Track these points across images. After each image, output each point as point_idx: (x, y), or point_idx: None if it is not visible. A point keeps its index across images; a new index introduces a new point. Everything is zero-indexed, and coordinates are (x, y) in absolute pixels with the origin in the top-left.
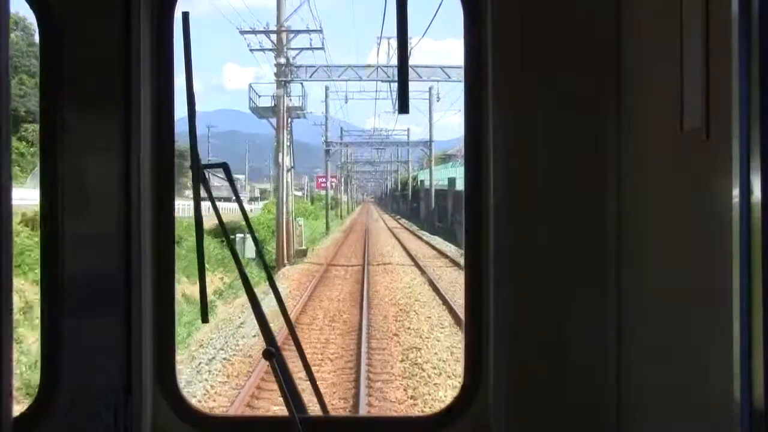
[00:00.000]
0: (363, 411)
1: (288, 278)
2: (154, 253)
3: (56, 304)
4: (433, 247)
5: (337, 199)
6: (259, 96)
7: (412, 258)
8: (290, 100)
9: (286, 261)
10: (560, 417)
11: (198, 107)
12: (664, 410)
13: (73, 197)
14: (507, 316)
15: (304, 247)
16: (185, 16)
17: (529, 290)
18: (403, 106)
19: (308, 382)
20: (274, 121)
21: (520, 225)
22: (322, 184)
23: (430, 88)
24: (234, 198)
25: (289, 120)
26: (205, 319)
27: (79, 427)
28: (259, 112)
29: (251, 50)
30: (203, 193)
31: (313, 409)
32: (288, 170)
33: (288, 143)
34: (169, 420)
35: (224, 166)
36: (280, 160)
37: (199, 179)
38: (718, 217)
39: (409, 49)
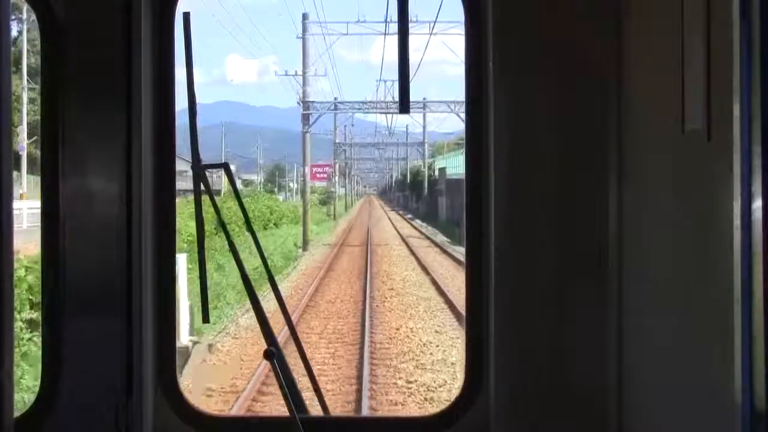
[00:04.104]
0: None
1: None
2: (155, 253)
3: (57, 305)
4: None
5: (331, 192)
6: None
7: None
8: None
9: None
10: (561, 418)
11: (199, 99)
12: (665, 411)
13: (75, 197)
14: (507, 317)
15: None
16: (186, 16)
17: (529, 291)
18: (404, 106)
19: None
20: None
21: (520, 226)
22: (318, 175)
23: None
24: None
25: None
26: (206, 319)
27: (81, 426)
28: None
29: None
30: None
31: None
32: None
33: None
34: (170, 420)
35: (225, 167)
36: None
37: (200, 179)
38: (719, 218)
39: (409, 47)
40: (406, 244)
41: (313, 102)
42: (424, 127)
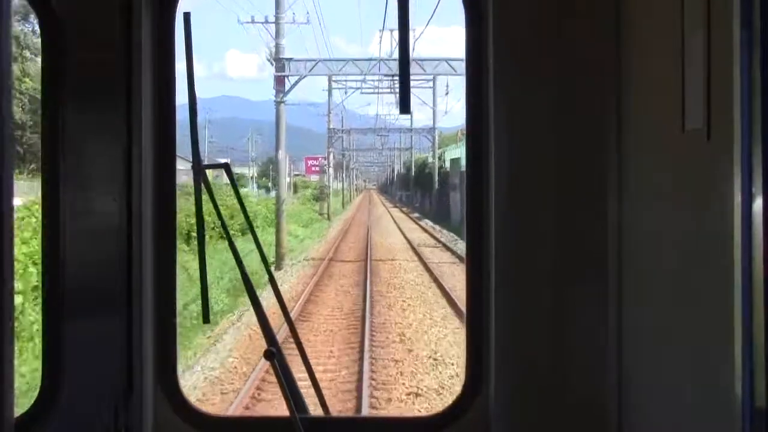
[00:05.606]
0: None
1: None
2: (155, 252)
3: (57, 305)
4: None
5: (324, 186)
6: None
7: None
8: None
9: None
10: (561, 418)
11: (199, 94)
12: (665, 411)
13: (75, 197)
14: (508, 317)
15: None
16: (186, 16)
17: (529, 291)
18: (405, 106)
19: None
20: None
21: (520, 225)
22: (313, 168)
23: None
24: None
25: None
26: (206, 320)
27: (81, 427)
28: None
29: None
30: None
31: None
32: None
33: None
34: (170, 420)
35: (225, 167)
36: None
37: (200, 179)
38: (719, 218)
39: (410, 46)
40: (420, 258)
41: (290, 59)
42: (434, 103)
